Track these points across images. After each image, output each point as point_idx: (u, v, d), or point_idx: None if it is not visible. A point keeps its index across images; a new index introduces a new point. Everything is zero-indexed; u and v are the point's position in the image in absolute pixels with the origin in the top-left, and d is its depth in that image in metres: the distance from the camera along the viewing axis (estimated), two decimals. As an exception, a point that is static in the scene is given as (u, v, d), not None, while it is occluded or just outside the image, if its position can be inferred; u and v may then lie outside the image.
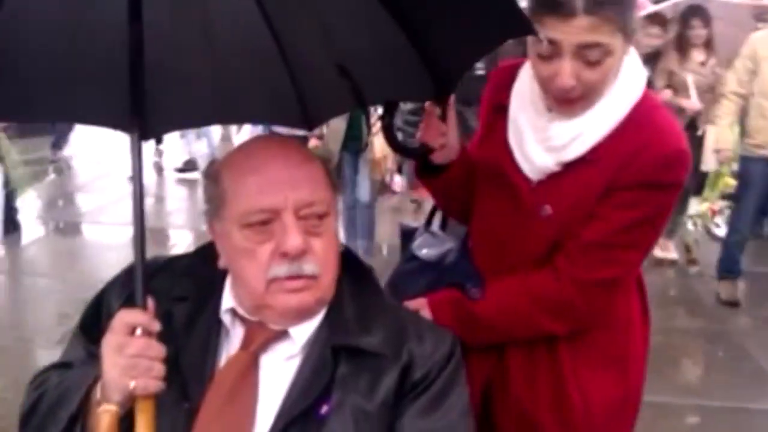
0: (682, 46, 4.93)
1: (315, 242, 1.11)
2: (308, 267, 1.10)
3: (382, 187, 4.23)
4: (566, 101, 1.35)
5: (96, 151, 8.01)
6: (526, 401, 1.52)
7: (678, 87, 4.92)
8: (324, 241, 1.13)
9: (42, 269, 5.01)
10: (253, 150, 1.18)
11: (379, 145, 4.31)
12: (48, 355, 2.93)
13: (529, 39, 1.33)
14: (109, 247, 5.32)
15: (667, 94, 4.78)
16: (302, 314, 1.14)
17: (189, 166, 7.18)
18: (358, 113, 3.66)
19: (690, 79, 4.85)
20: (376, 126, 3.70)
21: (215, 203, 1.15)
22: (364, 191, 4.53)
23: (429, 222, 1.74)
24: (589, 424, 1.50)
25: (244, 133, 5.56)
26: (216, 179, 1.15)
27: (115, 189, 6.69)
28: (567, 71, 1.29)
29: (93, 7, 1.21)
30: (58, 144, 8.13)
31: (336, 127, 3.94)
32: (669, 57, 4.95)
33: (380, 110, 3.23)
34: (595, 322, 1.46)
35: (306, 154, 1.19)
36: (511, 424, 1.54)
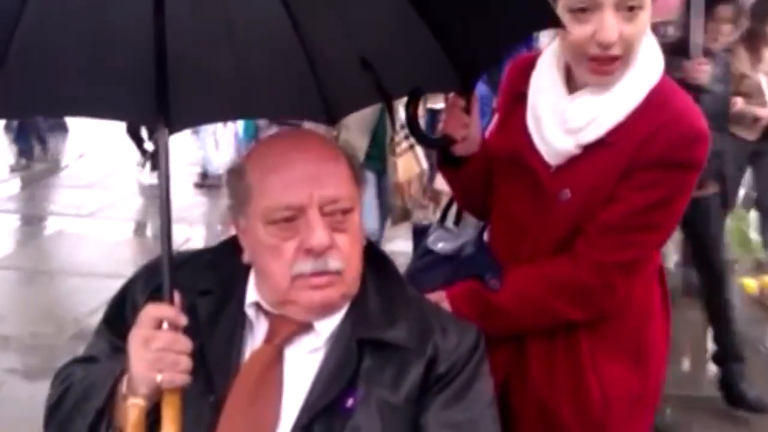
0: (754, 44, 4.20)
1: (340, 238, 1.11)
2: (333, 263, 1.10)
3: (404, 214, 3.85)
4: (606, 64, 1.33)
5: (103, 148, 8.04)
6: (545, 391, 1.51)
7: (751, 92, 4.19)
8: (349, 237, 1.13)
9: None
10: (277, 145, 1.18)
11: (403, 167, 3.78)
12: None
13: (561, 2, 1.31)
14: (117, 244, 5.35)
15: (738, 103, 4.07)
16: (327, 309, 1.14)
17: (208, 181, 6.92)
18: (381, 129, 3.36)
19: (765, 82, 4.20)
20: (401, 146, 3.42)
21: (239, 199, 1.16)
22: (371, 219, 3.71)
23: (443, 218, 1.73)
24: (608, 414, 1.49)
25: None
26: (240, 174, 1.15)
27: (124, 186, 6.72)
28: (611, 23, 1.28)
29: (117, 4, 1.21)
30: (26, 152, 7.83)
31: (359, 120, 3.32)
32: (739, 57, 4.13)
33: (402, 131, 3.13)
34: (615, 308, 1.45)
35: (331, 149, 1.18)
36: (530, 414, 1.54)
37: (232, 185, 1.17)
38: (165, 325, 1.03)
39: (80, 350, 1.28)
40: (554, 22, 1.09)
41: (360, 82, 1.33)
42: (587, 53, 1.33)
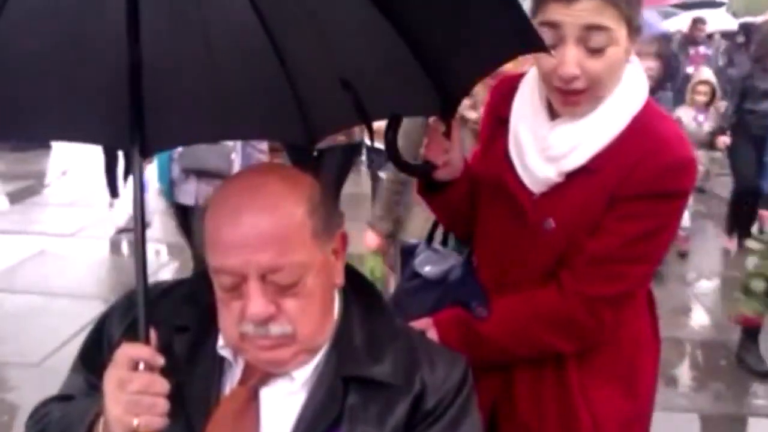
0: None
1: (288, 302, 1.03)
2: (276, 329, 1.03)
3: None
4: (571, 96, 1.32)
5: (86, 166, 7.93)
6: (532, 419, 1.49)
7: None
8: (300, 299, 1.04)
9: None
10: (228, 194, 1.07)
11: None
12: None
13: None
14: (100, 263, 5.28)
15: None
16: (280, 367, 1.08)
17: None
18: None
19: None
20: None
21: (204, 239, 1.08)
22: None
23: (431, 238, 1.71)
24: None
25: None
26: (204, 215, 1.08)
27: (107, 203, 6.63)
28: (570, 58, 1.27)
29: (90, 23, 1.18)
30: None
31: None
32: None
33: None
34: (604, 339, 1.43)
35: (288, 203, 1.04)
36: None
37: (199, 224, 1.10)
38: (141, 366, 0.99)
39: (62, 373, 1.24)
40: (536, 46, 1.07)
41: (340, 103, 1.30)
42: (553, 84, 1.32)
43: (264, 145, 3.58)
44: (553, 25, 1.27)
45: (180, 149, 3.29)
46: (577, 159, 1.36)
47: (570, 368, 1.45)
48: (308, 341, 1.07)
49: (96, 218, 6.38)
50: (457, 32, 1.12)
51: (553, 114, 1.40)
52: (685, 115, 5.55)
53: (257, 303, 1.01)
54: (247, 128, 1.57)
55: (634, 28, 1.30)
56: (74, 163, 8.30)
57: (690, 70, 7.95)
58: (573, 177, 1.37)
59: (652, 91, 1.61)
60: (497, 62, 1.19)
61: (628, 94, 1.37)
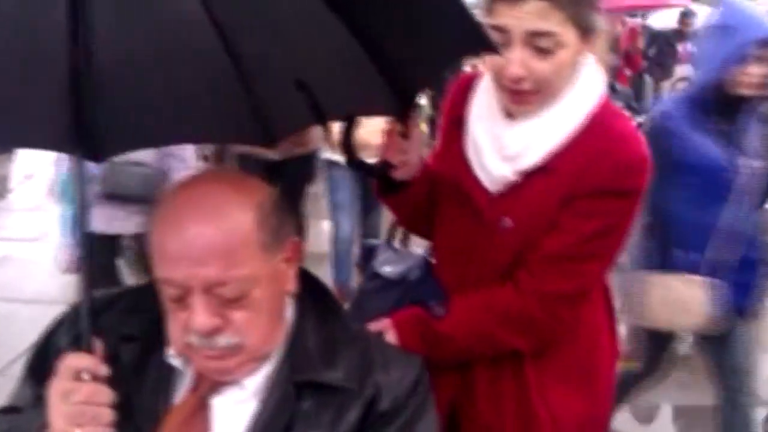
0: None
1: (235, 314, 1.01)
2: (223, 340, 1.01)
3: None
4: (518, 95, 1.33)
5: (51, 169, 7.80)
6: (492, 419, 1.49)
7: None
8: (247, 311, 1.02)
9: None
10: (173, 202, 1.04)
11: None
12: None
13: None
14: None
15: None
16: (226, 376, 1.06)
17: None
18: None
19: None
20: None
21: (150, 247, 1.05)
22: None
23: (390, 238, 1.70)
24: None
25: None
26: (149, 222, 1.05)
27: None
28: (516, 60, 1.27)
29: (30, 24, 1.15)
30: None
31: None
32: None
33: None
34: (560, 336, 1.44)
35: (231, 208, 1.02)
36: None
37: (147, 229, 1.07)
38: (85, 376, 0.97)
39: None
40: (486, 46, 1.07)
41: (298, 103, 1.29)
42: (502, 83, 1.33)
43: (192, 162, 3.38)
44: (501, 29, 1.27)
45: (100, 173, 3.11)
46: (533, 158, 1.36)
47: (527, 367, 1.45)
48: (256, 350, 1.05)
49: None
50: (409, 32, 1.11)
51: (509, 113, 1.40)
52: None
53: (201, 317, 0.99)
54: (202, 131, 1.54)
55: (584, 30, 1.30)
56: (38, 168, 8.16)
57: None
58: (529, 176, 1.37)
59: None
60: (450, 61, 1.19)
61: (583, 93, 1.37)
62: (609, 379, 1.55)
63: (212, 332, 1.00)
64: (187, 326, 1.00)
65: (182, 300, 1.00)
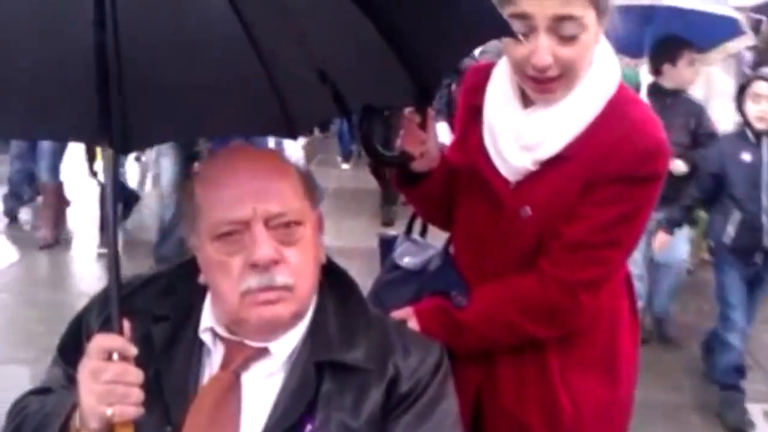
0: None
1: (289, 252, 1.09)
2: (280, 278, 1.08)
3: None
4: (545, 83, 1.32)
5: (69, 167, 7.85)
6: (515, 407, 1.49)
7: None
8: (299, 251, 1.11)
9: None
10: (223, 161, 1.16)
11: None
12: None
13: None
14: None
15: None
16: (277, 327, 1.11)
17: None
18: None
19: None
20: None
21: (190, 217, 1.14)
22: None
23: (409, 229, 1.72)
24: (580, 426, 1.48)
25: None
26: (189, 192, 1.14)
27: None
28: (543, 47, 1.27)
29: (59, 18, 1.18)
30: None
31: None
32: None
33: None
34: (582, 324, 1.44)
35: (279, 164, 1.16)
36: (502, 429, 1.52)
37: (183, 204, 1.16)
38: (115, 356, 1.00)
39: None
40: (504, 31, 1.08)
41: (319, 95, 1.31)
42: (526, 73, 1.32)
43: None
44: (524, 17, 1.27)
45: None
46: (552, 147, 1.36)
47: (550, 354, 1.46)
48: (304, 301, 1.12)
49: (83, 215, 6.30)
50: (429, 21, 1.12)
51: (526, 102, 1.40)
52: None
53: (264, 246, 1.06)
54: (229, 123, 1.56)
55: (601, 11, 1.30)
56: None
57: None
58: (548, 164, 1.37)
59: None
60: (467, 50, 1.20)
61: (601, 77, 1.37)
62: (631, 365, 1.54)
63: (272, 263, 1.06)
64: (246, 266, 1.06)
65: (238, 242, 1.07)
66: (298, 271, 1.09)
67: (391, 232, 1.74)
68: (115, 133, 1.15)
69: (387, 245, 1.70)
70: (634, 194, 1.35)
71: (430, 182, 1.49)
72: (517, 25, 1.25)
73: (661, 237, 3.56)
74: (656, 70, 3.87)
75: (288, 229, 1.09)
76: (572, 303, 1.39)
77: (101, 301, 1.19)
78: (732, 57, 4.59)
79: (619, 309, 1.52)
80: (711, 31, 3.96)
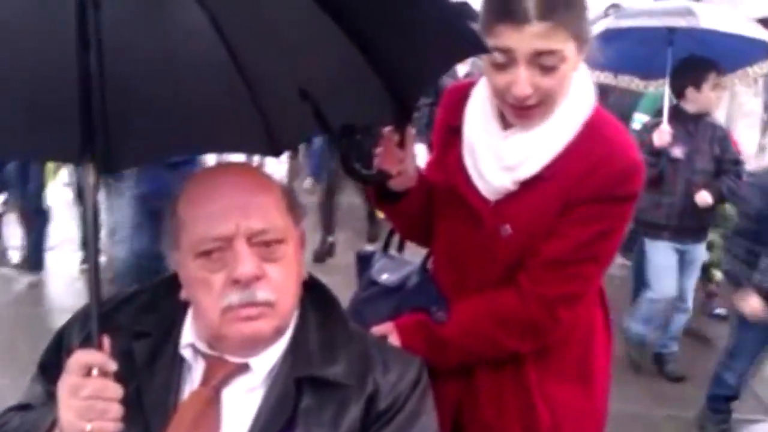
0: None
1: (271, 269, 1.10)
2: (262, 294, 1.09)
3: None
4: (524, 110, 1.35)
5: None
6: (495, 420, 1.51)
7: None
8: (281, 268, 1.12)
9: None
10: (206, 178, 1.17)
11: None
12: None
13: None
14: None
15: None
16: (258, 343, 1.12)
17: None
18: None
19: None
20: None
21: (173, 233, 1.15)
22: None
23: (387, 245, 1.73)
24: None
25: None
26: (173, 208, 1.15)
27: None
28: (523, 79, 1.30)
29: (43, 37, 1.19)
30: None
31: None
32: None
33: None
34: (560, 336, 1.47)
35: (261, 180, 1.18)
36: None
37: (167, 221, 1.16)
38: (95, 372, 1.00)
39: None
40: (479, 49, 1.11)
41: (301, 112, 1.32)
42: (506, 100, 1.35)
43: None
44: (505, 50, 1.29)
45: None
46: (531, 168, 1.39)
47: (528, 366, 1.48)
48: (285, 317, 1.13)
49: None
50: (407, 40, 1.15)
51: (505, 124, 1.43)
52: None
53: (246, 263, 1.07)
54: (213, 141, 1.57)
55: (582, 41, 1.33)
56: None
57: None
58: (528, 184, 1.40)
59: None
60: (444, 69, 1.22)
61: (578, 101, 1.40)
62: (605, 375, 1.58)
63: (254, 279, 1.07)
64: (228, 282, 1.07)
65: (221, 252, 1.08)
66: (279, 288, 1.10)
67: (369, 247, 1.74)
68: (98, 153, 1.15)
69: (364, 261, 1.71)
70: (612, 212, 1.39)
71: (407, 201, 1.50)
72: (498, 57, 1.29)
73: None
74: (679, 94, 3.70)
75: (270, 248, 1.10)
76: (551, 317, 1.42)
77: (82, 317, 1.20)
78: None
79: (594, 319, 1.55)
80: (738, 54, 3.77)
